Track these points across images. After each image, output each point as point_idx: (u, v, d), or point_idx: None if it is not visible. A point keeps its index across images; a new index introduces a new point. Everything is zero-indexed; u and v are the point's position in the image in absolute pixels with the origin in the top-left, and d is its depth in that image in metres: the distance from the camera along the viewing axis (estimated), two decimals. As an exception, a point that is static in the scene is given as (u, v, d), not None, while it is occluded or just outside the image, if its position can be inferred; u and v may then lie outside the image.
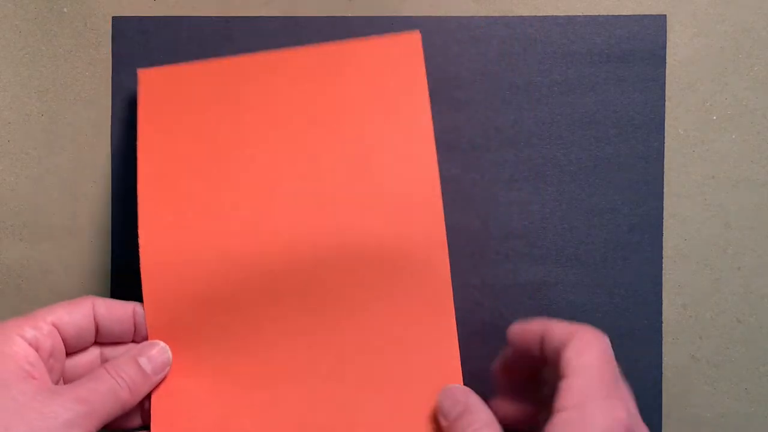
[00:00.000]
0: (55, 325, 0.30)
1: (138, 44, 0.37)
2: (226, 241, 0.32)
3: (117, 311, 0.32)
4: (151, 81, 0.35)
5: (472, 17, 0.37)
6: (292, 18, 0.37)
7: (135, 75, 0.37)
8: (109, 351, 0.33)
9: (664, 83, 0.37)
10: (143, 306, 0.33)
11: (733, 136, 0.37)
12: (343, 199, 0.33)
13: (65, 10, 0.38)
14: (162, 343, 0.33)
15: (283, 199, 0.33)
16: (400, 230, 0.32)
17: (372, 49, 0.34)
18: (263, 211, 0.33)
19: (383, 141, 0.33)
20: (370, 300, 0.33)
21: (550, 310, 0.37)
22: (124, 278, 0.38)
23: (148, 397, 0.32)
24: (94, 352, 0.33)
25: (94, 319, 0.32)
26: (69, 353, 0.32)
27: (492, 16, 0.37)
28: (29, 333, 0.29)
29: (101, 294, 0.37)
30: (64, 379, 0.32)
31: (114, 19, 0.37)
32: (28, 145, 0.38)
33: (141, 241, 0.33)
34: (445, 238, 0.32)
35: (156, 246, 0.33)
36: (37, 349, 0.29)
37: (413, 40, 0.34)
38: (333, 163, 0.33)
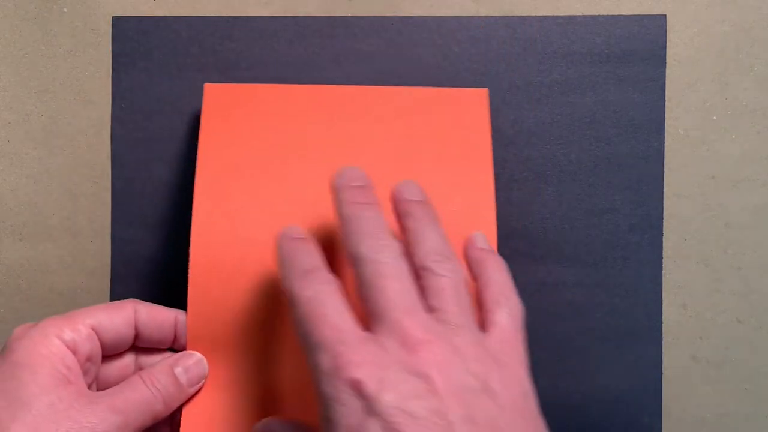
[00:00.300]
0: (94, 329, 0.30)
1: (138, 44, 0.37)
2: (273, 260, 0.32)
3: (158, 318, 0.32)
4: (215, 95, 0.35)
5: (472, 17, 0.37)
6: (292, 18, 0.37)
7: (135, 75, 0.37)
8: (145, 356, 0.32)
9: (664, 83, 0.37)
10: (186, 314, 0.32)
11: (733, 136, 0.37)
12: (396, 227, 0.33)
13: (65, 10, 0.38)
14: (199, 355, 0.32)
15: (334, 223, 0.32)
16: None
17: (440, 97, 0.35)
18: (314, 231, 0.32)
19: (443, 181, 0.33)
20: None
21: (550, 310, 0.37)
22: (123, 278, 0.38)
23: (179, 408, 0.32)
24: (129, 357, 0.32)
25: (135, 324, 0.31)
26: (105, 357, 0.31)
27: (492, 16, 0.37)
28: (68, 335, 0.29)
29: (101, 295, 0.37)
30: (98, 382, 0.31)
31: (114, 19, 0.37)
32: (28, 145, 0.38)
33: (192, 251, 0.32)
34: None
35: (206, 257, 0.32)
36: (74, 352, 0.29)
37: (481, 95, 0.35)
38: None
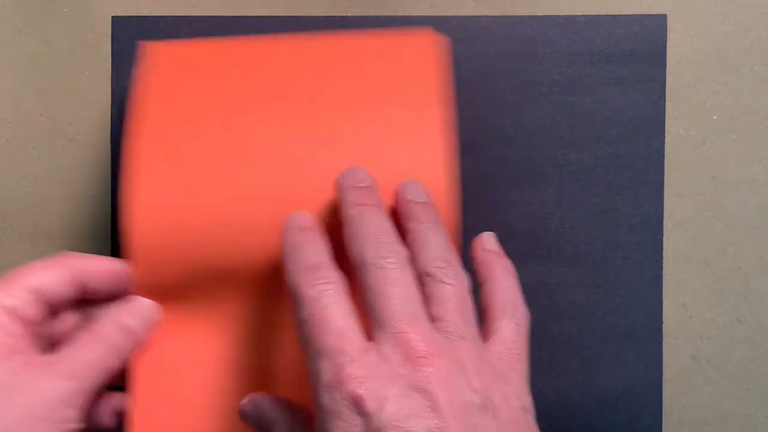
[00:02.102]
0: (35, 291, 0.28)
1: (138, 44, 0.37)
2: (219, 206, 0.31)
3: (101, 269, 0.30)
4: (152, 53, 0.33)
5: (472, 17, 0.37)
6: (292, 18, 0.37)
7: (134, 75, 0.37)
8: (94, 308, 0.31)
9: (664, 83, 0.37)
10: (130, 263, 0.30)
11: (734, 136, 0.37)
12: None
13: (65, 10, 0.38)
14: (145, 300, 0.30)
15: (282, 172, 0.31)
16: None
17: (386, 43, 0.33)
18: (260, 180, 0.31)
19: (390, 127, 0.32)
20: None
21: (550, 310, 0.37)
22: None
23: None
24: (78, 312, 0.31)
25: (78, 278, 0.29)
26: (53, 315, 0.29)
27: (492, 16, 0.37)
28: (7, 301, 0.27)
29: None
30: (48, 342, 0.30)
31: (114, 19, 0.37)
32: (28, 145, 0.38)
33: (132, 196, 0.30)
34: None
35: (147, 203, 0.30)
36: (16, 319, 0.27)
37: (427, 39, 0.33)
38: (336, 141, 0.32)
